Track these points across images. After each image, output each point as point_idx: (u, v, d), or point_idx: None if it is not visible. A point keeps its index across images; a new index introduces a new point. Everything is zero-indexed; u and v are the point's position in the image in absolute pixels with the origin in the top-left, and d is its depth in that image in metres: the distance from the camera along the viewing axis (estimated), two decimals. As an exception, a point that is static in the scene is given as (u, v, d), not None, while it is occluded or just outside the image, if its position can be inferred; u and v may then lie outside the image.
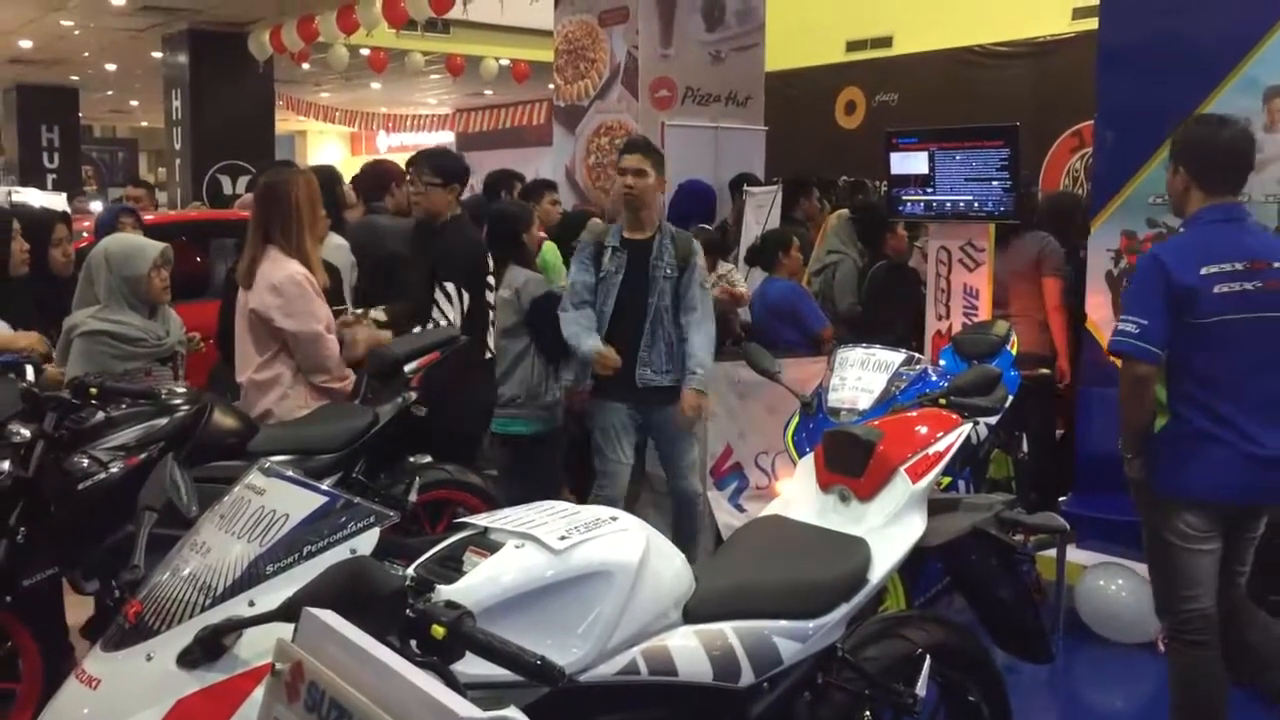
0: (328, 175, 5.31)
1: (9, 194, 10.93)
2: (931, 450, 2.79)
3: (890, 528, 2.63)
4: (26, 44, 16.66)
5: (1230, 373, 3.28)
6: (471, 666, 1.72)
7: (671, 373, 4.64)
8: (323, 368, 3.95)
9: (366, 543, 2.11)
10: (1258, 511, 3.42)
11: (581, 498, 5.02)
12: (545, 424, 5.08)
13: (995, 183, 5.21)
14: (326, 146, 31.12)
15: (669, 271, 4.61)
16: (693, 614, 2.23)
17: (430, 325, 4.45)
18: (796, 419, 4.56)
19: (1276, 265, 3.29)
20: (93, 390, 3.35)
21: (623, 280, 4.61)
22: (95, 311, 3.93)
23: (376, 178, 6.22)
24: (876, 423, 3.01)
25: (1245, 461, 3.25)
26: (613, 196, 7.09)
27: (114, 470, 3.28)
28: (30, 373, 3.70)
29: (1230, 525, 3.37)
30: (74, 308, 4.03)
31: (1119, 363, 3.41)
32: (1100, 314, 5.24)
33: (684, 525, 4.83)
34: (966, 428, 3.01)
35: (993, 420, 4.29)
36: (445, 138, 25.17)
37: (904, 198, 5.60)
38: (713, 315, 4.75)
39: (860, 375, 4.47)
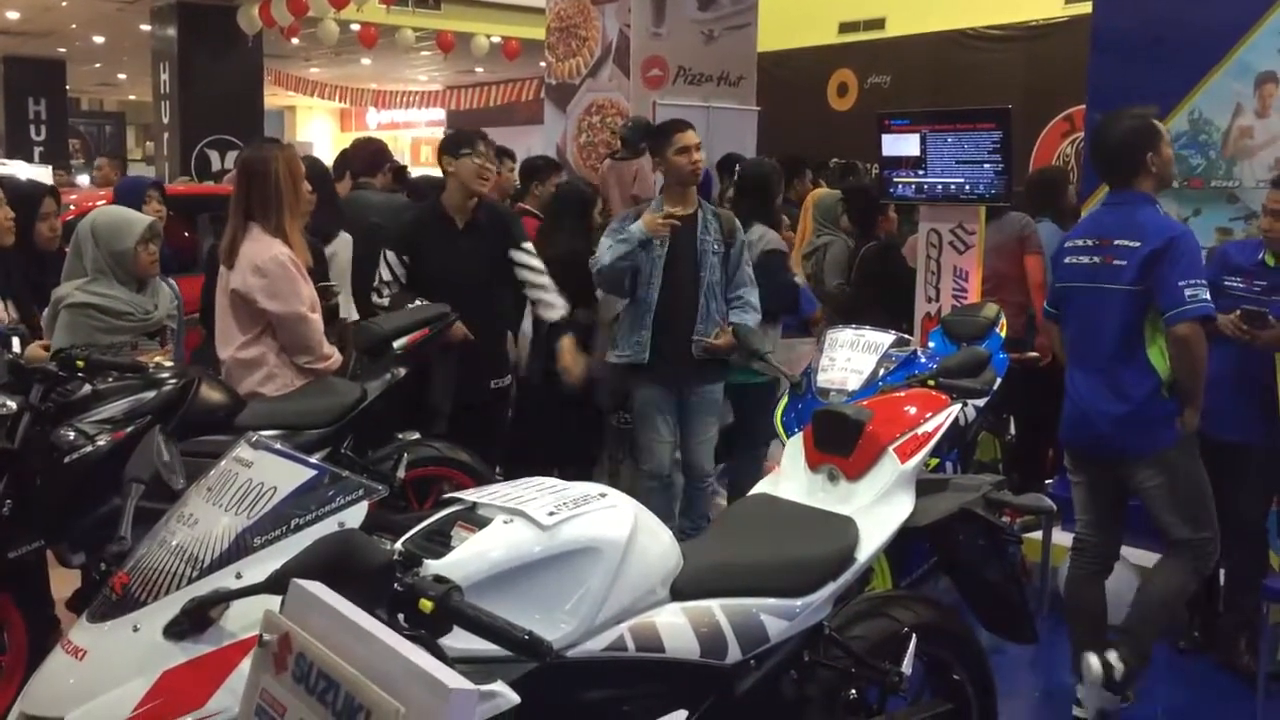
0: (318, 169, 5.24)
1: (-5, 166, 10.86)
2: (920, 430, 2.79)
3: (878, 507, 2.63)
4: (13, 15, 16.52)
5: (1078, 334, 3.81)
6: (459, 641, 1.72)
7: None
8: (306, 348, 3.91)
9: (355, 516, 2.11)
10: (1105, 458, 3.74)
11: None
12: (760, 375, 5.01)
13: (987, 165, 5.21)
14: (316, 122, 30.94)
15: (716, 247, 4.62)
16: (680, 591, 2.23)
17: None
18: (785, 400, 4.56)
19: (1117, 243, 3.65)
20: (80, 363, 3.34)
21: (668, 256, 4.57)
22: (82, 284, 3.91)
23: (371, 155, 6.22)
24: (866, 403, 3.01)
25: (1070, 409, 3.81)
26: (602, 174, 7.08)
27: (100, 443, 3.27)
28: (16, 344, 3.68)
29: (1106, 470, 3.76)
30: (63, 280, 4.01)
31: None
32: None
33: (693, 504, 4.86)
34: (955, 409, 3.01)
35: (981, 402, 4.29)
36: (435, 115, 25.07)
37: (895, 180, 5.60)
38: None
39: (850, 356, 4.47)
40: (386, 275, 4.59)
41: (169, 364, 3.72)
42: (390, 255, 4.61)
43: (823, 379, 4.44)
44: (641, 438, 4.74)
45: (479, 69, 21.22)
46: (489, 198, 4.77)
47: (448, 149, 4.62)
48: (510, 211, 5.36)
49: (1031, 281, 5.48)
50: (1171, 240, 3.54)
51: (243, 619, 1.97)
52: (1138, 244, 3.57)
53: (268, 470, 2.19)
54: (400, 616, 1.69)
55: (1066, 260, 3.83)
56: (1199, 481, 3.66)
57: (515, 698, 1.64)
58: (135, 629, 2.03)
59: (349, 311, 4.68)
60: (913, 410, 2.88)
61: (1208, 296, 3.50)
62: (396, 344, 4.08)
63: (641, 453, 4.75)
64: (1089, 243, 3.75)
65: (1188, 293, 3.46)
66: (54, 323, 3.91)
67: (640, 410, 4.71)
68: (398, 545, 2.01)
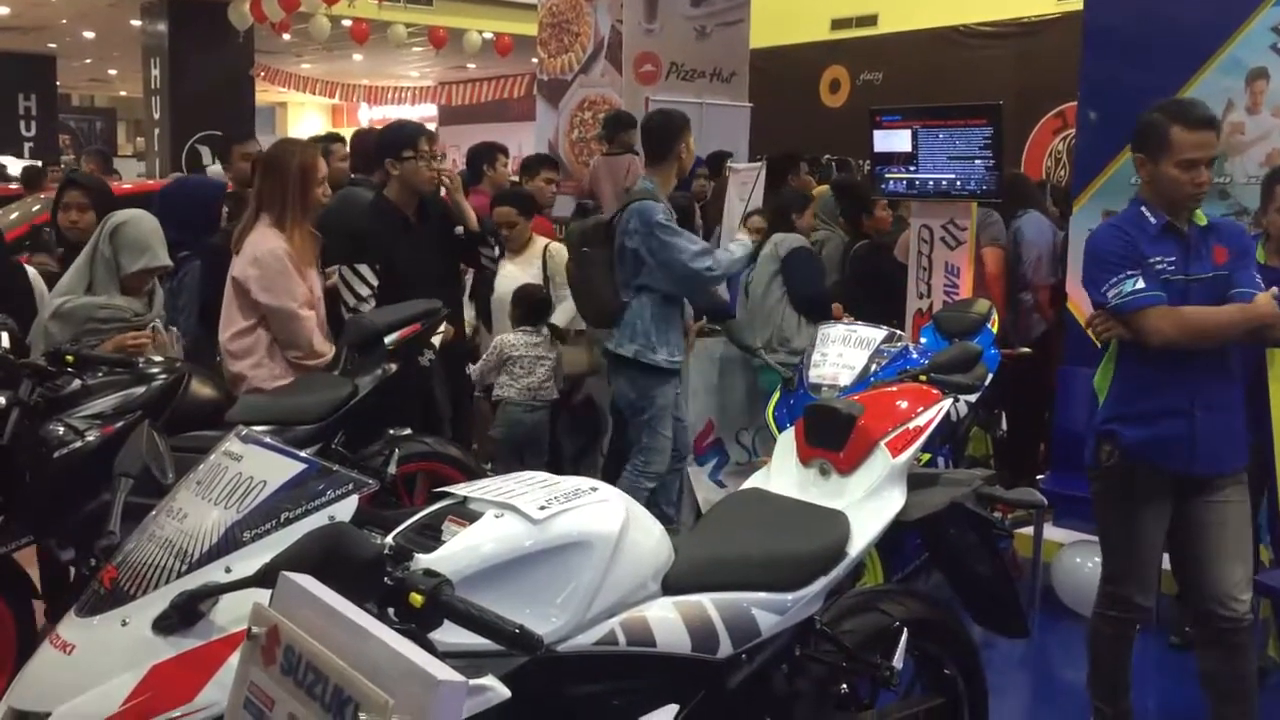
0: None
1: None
2: (912, 425, 2.79)
3: (870, 501, 2.63)
4: (4, 10, 16.46)
5: None
6: (449, 635, 1.71)
7: None
8: (295, 344, 3.93)
9: (345, 510, 2.11)
10: None
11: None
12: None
13: (978, 161, 5.21)
14: (308, 118, 30.87)
15: None
16: (672, 585, 2.22)
17: None
18: (777, 395, 4.57)
19: None
20: (69, 358, 3.32)
21: None
22: (105, 301, 3.85)
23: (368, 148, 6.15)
24: (857, 398, 3.01)
25: None
26: (593, 168, 7.08)
27: (90, 438, 3.26)
28: (5, 339, 3.65)
29: None
30: (66, 281, 3.94)
31: None
32: (1081, 293, 5.25)
33: (669, 487, 4.90)
34: (946, 403, 3.01)
35: (972, 397, 4.29)
36: (427, 111, 25.01)
37: (887, 175, 5.60)
38: None
39: (842, 352, 4.48)
40: (364, 291, 4.40)
41: (158, 358, 3.70)
42: (363, 269, 4.40)
43: (814, 374, 4.44)
44: (658, 440, 4.68)
45: (471, 65, 21.18)
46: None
47: (389, 151, 4.45)
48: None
49: (988, 272, 5.51)
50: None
51: (232, 613, 1.96)
52: None
53: (257, 464, 2.18)
54: (390, 610, 1.69)
55: None
56: (1104, 520, 3.46)
57: (505, 691, 1.63)
58: (124, 623, 2.02)
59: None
60: (904, 405, 2.88)
61: (1135, 287, 3.13)
62: (388, 339, 4.07)
63: (654, 454, 4.69)
64: None
65: (1110, 293, 3.17)
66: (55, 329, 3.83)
67: (662, 411, 4.66)
68: (388, 539, 2.00)
